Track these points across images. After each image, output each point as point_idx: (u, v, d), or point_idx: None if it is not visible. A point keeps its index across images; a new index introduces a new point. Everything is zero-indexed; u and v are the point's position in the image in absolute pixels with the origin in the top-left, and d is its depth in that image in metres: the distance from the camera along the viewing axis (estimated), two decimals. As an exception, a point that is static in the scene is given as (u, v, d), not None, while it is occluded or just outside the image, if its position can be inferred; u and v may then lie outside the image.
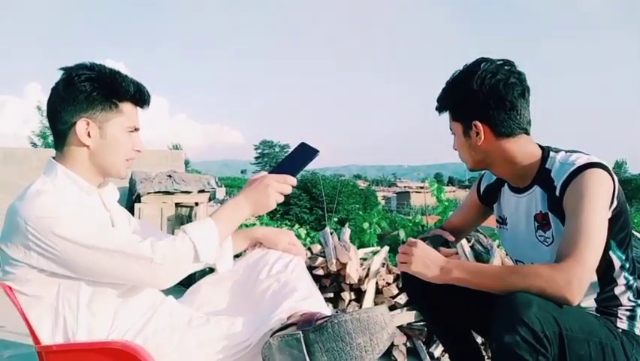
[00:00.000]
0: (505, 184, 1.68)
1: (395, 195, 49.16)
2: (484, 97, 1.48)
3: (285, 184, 1.43)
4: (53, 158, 1.40)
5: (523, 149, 1.53)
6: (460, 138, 1.58)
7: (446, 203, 5.31)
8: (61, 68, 1.38)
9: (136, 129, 1.43)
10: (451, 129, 1.63)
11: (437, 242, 1.65)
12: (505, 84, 1.47)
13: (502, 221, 1.72)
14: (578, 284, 1.28)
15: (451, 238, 1.75)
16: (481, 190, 1.81)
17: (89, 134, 1.35)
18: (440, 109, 1.63)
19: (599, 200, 1.37)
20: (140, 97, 1.42)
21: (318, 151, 1.47)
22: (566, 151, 1.52)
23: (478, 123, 1.51)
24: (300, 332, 1.21)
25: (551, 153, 1.52)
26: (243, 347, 1.31)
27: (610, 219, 1.40)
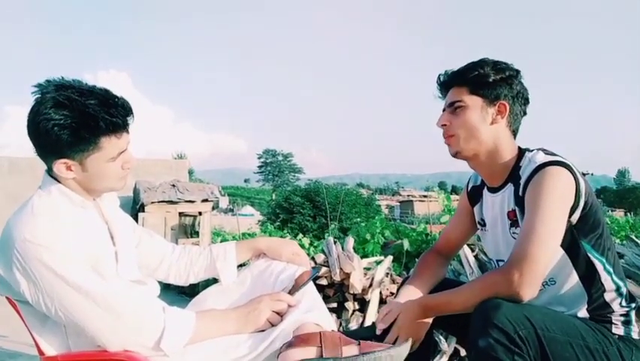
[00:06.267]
0: (486, 186, 1.69)
1: (399, 203, 49.02)
2: (517, 88, 1.58)
3: (279, 301, 1.42)
4: (47, 171, 1.36)
5: (511, 146, 1.59)
6: (473, 112, 1.56)
7: (453, 213, 5.31)
8: (34, 88, 1.27)
9: (121, 153, 1.34)
10: (453, 104, 1.59)
11: None
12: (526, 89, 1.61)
13: (482, 224, 1.74)
14: (524, 279, 1.33)
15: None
16: (469, 190, 1.82)
17: (70, 168, 1.30)
18: (455, 81, 1.61)
19: (553, 198, 1.39)
20: (115, 129, 1.29)
21: (317, 270, 1.63)
22: (537, 150, 1.56)
23: (506, 104, 1.56)
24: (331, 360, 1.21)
25: (527, 153, 1.57)
26: (249, 358, 1.30)
27: (578, 220, 1.44)
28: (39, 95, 1.27)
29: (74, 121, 1.24)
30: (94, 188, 1.37)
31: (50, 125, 1.22)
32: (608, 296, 1.47)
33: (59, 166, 1.29)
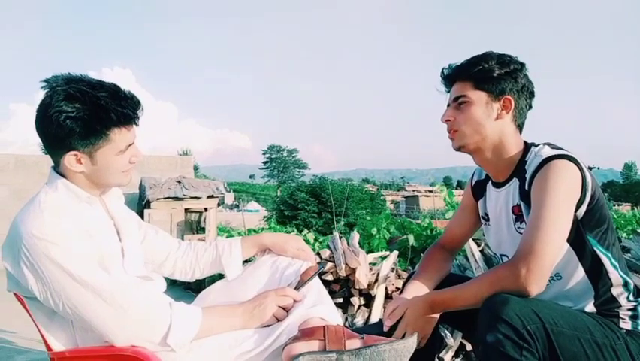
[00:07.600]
0: (490, 181, 1.69)
1: (404, 199, 48.95)
2: (522, 81, 1.56)
3: (284, 296, 1.42)
4: (54, 167, 1.37)
5: (517, 141, 1.58)
6: (477, 108, 1.54)
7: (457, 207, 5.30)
8: (43, 83, 1.29)
9: (129, 146, 1.36)
10: (457, 99, 1.58)
11: None
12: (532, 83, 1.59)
13: (486, 218, 1.73)
14: (531, 274, 1.33)
15: None
16: (473, 184, 1.81)
17: (80, 161, 1.31)
18: (459, 75, 1.59)
19: (559, 192, 1.39)
20: (126, 121, 1.32)
21: (322, 265, 1.63)
22: (544, 144, 1.54)
23: (511, 99, 1.54)
24: (334, 354, 1.21)
25: (532, 147, 1.56)
26: (255, 353, 1.31)
27: (584, 214, 1.43)
28: (49, 89, 1.28)
29: (86, 113, 1.25)
30: (101, 182, 1.38)
31: (62, 117, 1.24)
32: (615, 291, 1.46)
33: (69, 158, 1.30)
